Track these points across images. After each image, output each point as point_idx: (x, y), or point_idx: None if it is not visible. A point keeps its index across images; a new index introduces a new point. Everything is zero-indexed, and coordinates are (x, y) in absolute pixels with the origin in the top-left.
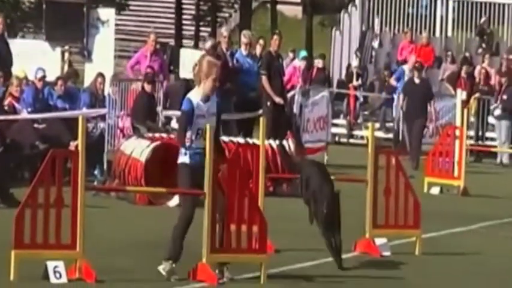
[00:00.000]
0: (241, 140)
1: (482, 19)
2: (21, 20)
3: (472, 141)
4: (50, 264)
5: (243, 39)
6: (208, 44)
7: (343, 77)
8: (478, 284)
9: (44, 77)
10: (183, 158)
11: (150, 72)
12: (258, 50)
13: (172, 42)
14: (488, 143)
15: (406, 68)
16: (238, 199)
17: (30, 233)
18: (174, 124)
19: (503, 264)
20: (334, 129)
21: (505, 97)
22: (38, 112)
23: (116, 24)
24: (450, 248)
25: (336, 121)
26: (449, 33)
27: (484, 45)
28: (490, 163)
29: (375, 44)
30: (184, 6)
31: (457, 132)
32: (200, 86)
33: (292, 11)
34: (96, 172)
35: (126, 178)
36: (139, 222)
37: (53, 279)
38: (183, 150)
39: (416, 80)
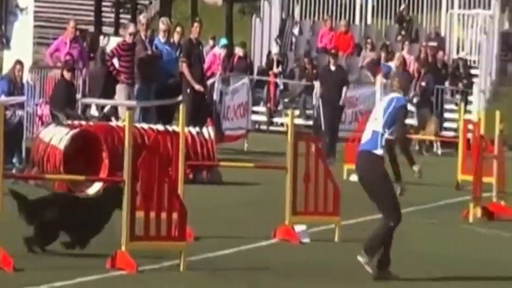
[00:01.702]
0: (160, 127)
1: (402, 6)
2: None
3: None
4: None
5: (161, 26)
6: (130, 30)
7: (263, 64)
8: (397, 270)
9: None
10: None
11: (70, 60)
12: (175, 37)
13: (91, 29)
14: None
15: (392, 64)
16: (157, 186)
17: None
18: (93, 111)
19: (424, 249)
20: (254, 117)
21: (423, 84)
22: None
23: (35, 11)
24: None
25: (256, 108)
26: (369, 21)
27: (403, 32)
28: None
29: (295, 31)
30: None
31: None
32: None
33: None
34: (14, 160)
35: (45, 166)
36: None
37: None
38: None
39: (332, 67)
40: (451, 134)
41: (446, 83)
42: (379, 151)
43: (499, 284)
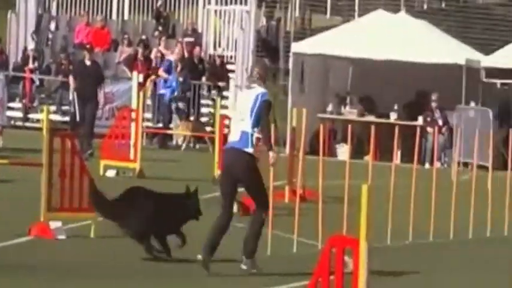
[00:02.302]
0: None
1: (159, 2)
2: None
3: (149, 124)
4: None
5: None
6: None
7: (19, 60)
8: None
9: None
10: None
11: None
12: None
13: None
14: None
15: (172, 58)
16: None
17: None
18: None
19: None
20: (9, 113)
21: (181, 79)
22: None
23: None
24: None
25: (11, 104)
26: (126, 16)
27: (160, 28)
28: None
29: (52, 27)
30: None
31: (133, 115)
32: None
33: None
34: None
35: None
36: None
37: None
38: None
39: (87, 62)
40: (208, 129)
41: (203, 79)
42: (250, 149)
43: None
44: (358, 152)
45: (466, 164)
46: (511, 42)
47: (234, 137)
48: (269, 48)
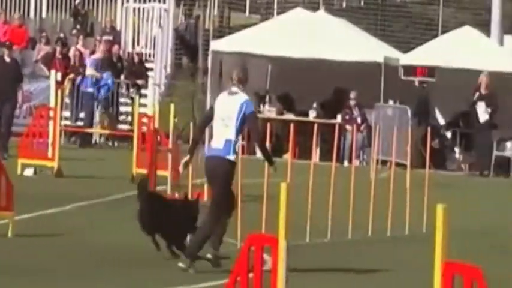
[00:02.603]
0: None
1: (77, 0)
2: None
3: (67, 122)
4: None
5: None
6: None
7: None
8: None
9: None
10: None
11: None
12: None
13: None
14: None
15: (97, 56)
16: None
17: None
18: None
19: (106, 240)
20: None
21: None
22: None
23: None
24: (44, 229)
25: None
26: (44, 14)
27: (78, 26)
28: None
29: None
30: None
31: (51, 113)
32: None
33: None
34: None
35: None
36: None
37: None
38: None
39: (7, 59)
40: (126, 127)
41: (122, 77)
42: (232, 157)
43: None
44: (277, 150)
45: (384, 162)
46: (430, 40)
47: (217, 144)
48: (188, 46)
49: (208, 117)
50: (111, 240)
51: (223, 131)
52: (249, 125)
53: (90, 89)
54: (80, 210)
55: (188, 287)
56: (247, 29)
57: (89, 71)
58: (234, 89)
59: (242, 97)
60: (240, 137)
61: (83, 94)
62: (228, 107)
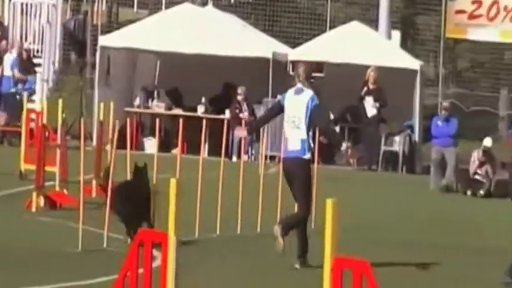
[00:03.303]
0: None
1: None
2: None
3: None
4: None
5: None
6: None
7: None
8: None
9: None
10: None
11: None
12: None
13: None
14: None
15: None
16: None
17: None
18: None
19: None
20: None
21: None
22: None
23: None
24: None
25: None
26: None
27: None
28: None
29: None
30: None
31: None
32: None
33: None
34: None
35: None
36: None
37: None
38: None
39: None
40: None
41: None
42: (308, 155)
43: None
44: (165, 145)
45: (273, 157)
46: (318, 35)
47: (293, 146)
48: (76, 42)
49: (275, 111)
50: None
51: (296, 132)
52: (313, 117)
53: (12, 90)
54: None
55: (79, 283)
56: (135, 24)
57: (17, 74)
58: (300, 86)
59: (307, 95)
60: (310, 132)
61: (6, 95)
62: (296, 109)
